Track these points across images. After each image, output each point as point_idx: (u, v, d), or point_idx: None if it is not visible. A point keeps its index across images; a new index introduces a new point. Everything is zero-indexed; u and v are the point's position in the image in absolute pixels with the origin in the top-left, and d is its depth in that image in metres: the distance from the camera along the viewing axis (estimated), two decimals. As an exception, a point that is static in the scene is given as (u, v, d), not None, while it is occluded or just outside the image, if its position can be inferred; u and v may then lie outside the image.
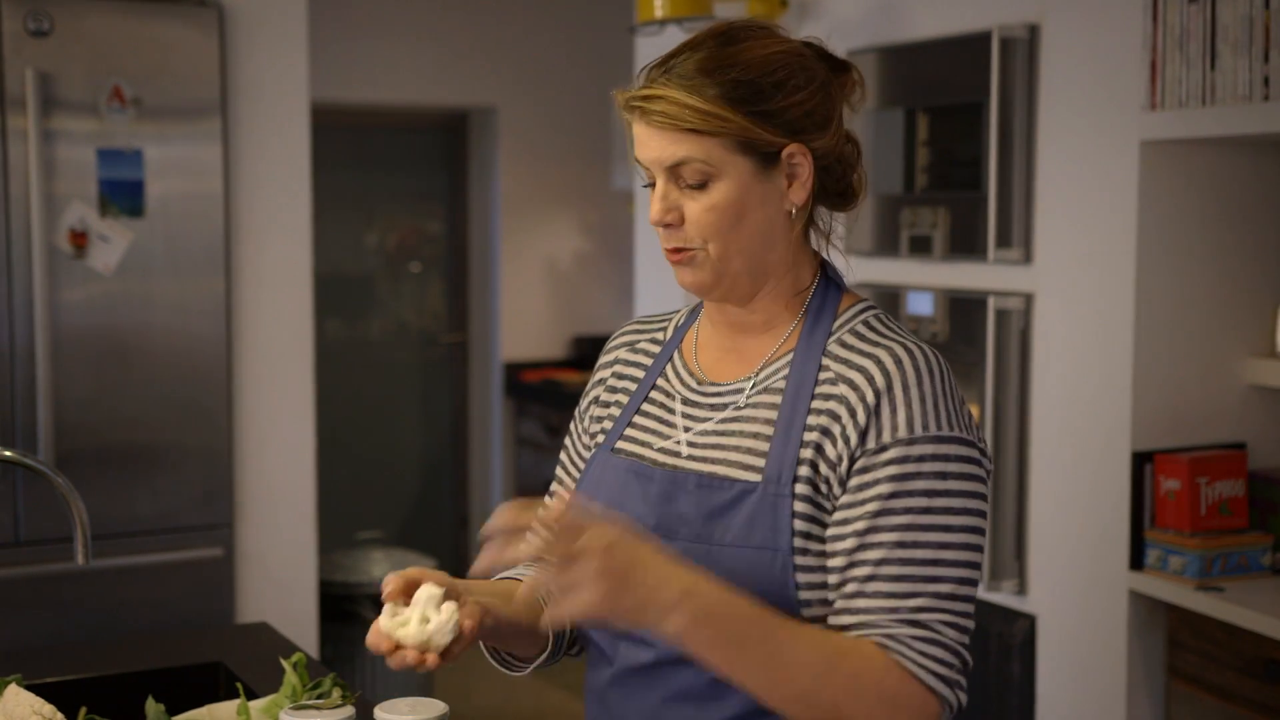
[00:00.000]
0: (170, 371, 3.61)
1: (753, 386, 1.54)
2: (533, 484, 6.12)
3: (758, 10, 3.61)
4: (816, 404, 1.48)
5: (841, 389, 1.47)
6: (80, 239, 3.48)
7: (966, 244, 3.20)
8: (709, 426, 1.54)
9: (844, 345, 1.51)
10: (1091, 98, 2.94)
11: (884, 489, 1.43)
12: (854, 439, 1.45)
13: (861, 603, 1.42)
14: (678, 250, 1.51)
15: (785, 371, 1.52)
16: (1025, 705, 3.13)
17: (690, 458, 1.53)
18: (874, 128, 3.43)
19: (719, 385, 1.57)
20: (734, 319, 1.58)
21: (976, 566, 1.45)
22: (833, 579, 1.44)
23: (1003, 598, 3.17)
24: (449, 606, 1.43)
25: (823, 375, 1.49)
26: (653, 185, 1.51)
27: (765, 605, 1.41)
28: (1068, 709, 3.04)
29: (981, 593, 3.17)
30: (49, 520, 3.46)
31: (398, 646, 1.42)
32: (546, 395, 6.00)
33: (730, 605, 1.38)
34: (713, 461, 1.52)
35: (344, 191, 6.07)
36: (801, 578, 1.44)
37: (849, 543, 1.43)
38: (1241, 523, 2.84)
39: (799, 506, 1.45)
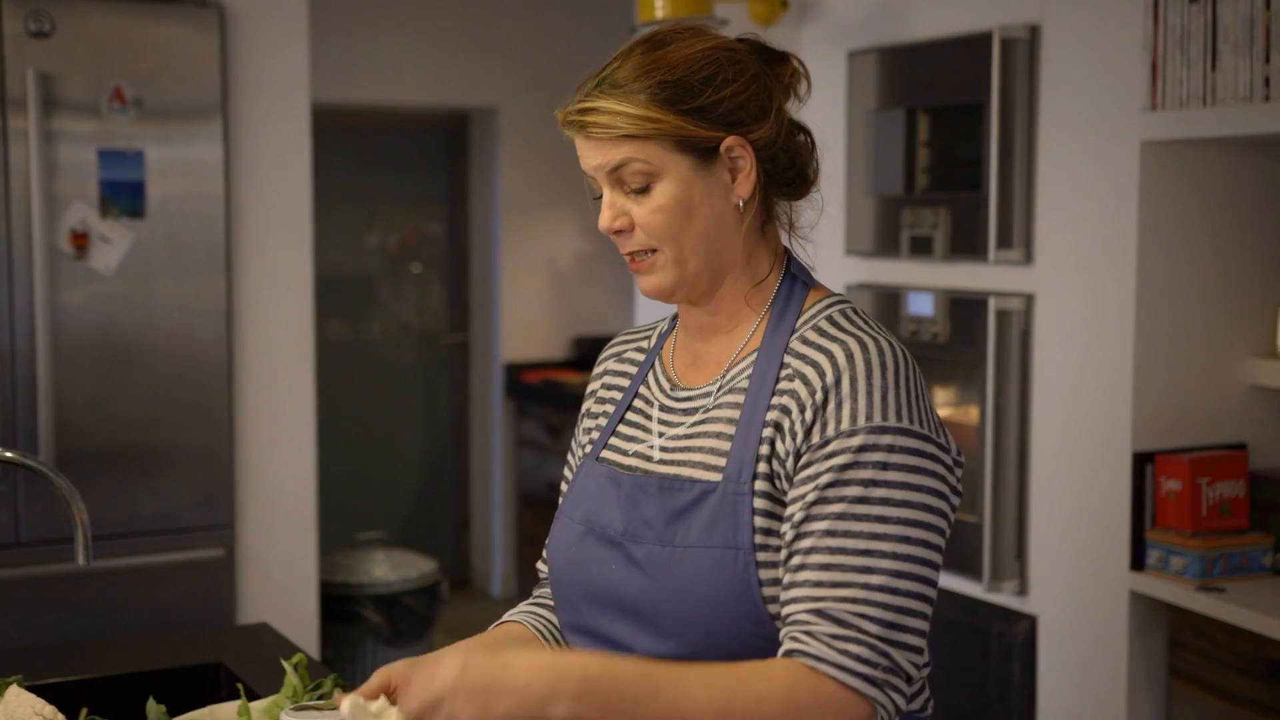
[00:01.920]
0: (171, 372, 3.61)
1: (719, 389, 1.55)
2: (533, 484, 6.12)
3: (758, 11, 3.61)
4: (774, 400, 1.48)
5: (796, 384, 1.47)
6: (81, 240, 3.48)
7: (967, 245, 3.20)
8: (680, 431, 1.55)
9: (804, 341, 1.51)
10: (1092, 98, 2.94)
11: (823, 479, 1.42)
12: (800, 435, 1.45)
13: (793, 592, 1.41)
14: (633, 257, 1.54)
15: (749, 371, 1.53)
16: (1026, 706, 3.13)
17: (660, 461, 1.55)
18: (874, 128, 3.43)
19: (690, 390, 1.58)
20: (700, 321, 1.59)
21: (921, 562, 1.41)
22: (781, 573, 1.44)
23: (1003, 598, 3.17)
24: None
25: (783, 372, 1.50)
26: (601, 197, 1.54)
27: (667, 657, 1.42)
28: (1069, 710, 3.04)
29: (982, 593, 3.17)
30: (50, 521, 3.46)
31: None
32: (547, 396, 6.00)
33: (610, 670, 1.37)
34: (678, 464, 1.53)
35: (345, 192, 6.07)
36: (764, 574, 1.44)
37: (789, 535, 1.43)
38: (1242, 523, 2.84)
39: (759, 504, 1.45)
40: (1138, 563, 2.89)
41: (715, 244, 1.53)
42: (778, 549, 1.44)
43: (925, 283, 3.34)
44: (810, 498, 1.42)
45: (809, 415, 1.44)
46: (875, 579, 1.38)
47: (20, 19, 3.39)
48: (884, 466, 1.41)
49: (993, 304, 3.11)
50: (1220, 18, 2.64)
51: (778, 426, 1.46)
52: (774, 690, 1.36)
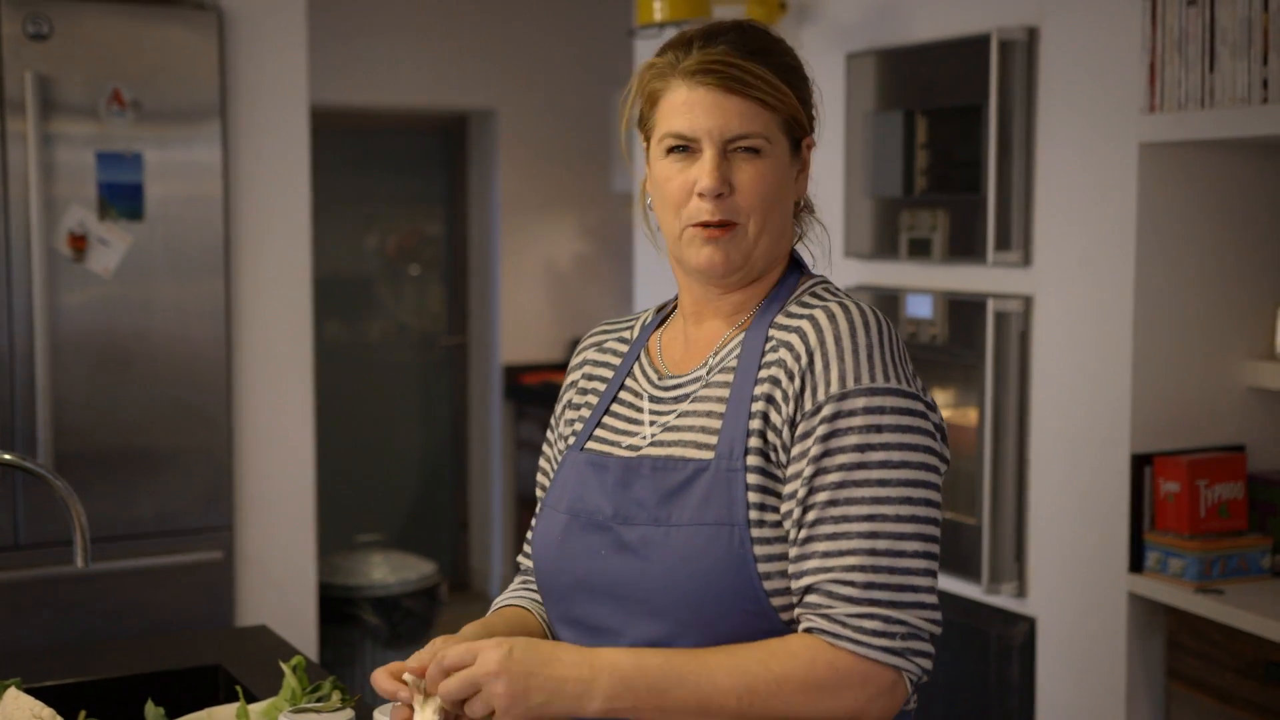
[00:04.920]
0: (170, 374, 3.61)
1: (708, 371, 1.55)
2: (532, 486, 6.10)
3: (756, 13, 3.61)
4: (761, 374, 1.48)
5: (781, 353, 1.48)
6: (79, 242, 3.48)
7: (966, 246, 3.20)
8: (671, 419, 1.55)
9: (787, 314, 1.52)
10: (1090, 100, 2.94)
11: (817, 449, 1.42)
12: (792, 402, 1.45)
13: (802, 564, 1.42)
14: (722, 225, 1.50)
15: (738, 350, 1.53)
16: (1025, 707, 3.13)
17: (652, 445, 1.54)
18: (873, 129, 3.43)
19: (679, 376, 1.58)
20: (713, 304, 1.58)
21: (925, 520, 1.41)
22: (789, 549, 1.44)
23: (1002, 600, 3.17)
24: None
25: (767, 345, 1.50)
26: (677, 150, 1.50)
27: (684, 645, 1.42)
28: (1067, 711, 3.04)
29: (981, 595, 3.17)
30: (49, 523, 3.46)
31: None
32: (546, 397, 6.00)
33: (639, 663, 1.39)
34: (670, 444, 1.52)
35: (344, 194, 6.07)
36: (759, 550, 1.44)
37: (795, 512, 1.43)
38: (1241, 525, 2.84)
39: (752, 479, 1.45)
40: (1136, 564, 2.89)
41: (783, 232, 1.54)
42: (774, 525, 1.45)
43: (924, 285, 3.34)
44: (808, 471, 1.42)
45: (798, 382, 1.45)
46: (881, 543, 1.39)
47: (19, 21, 3.39)
48: (878, 429, 1.42)
49: (991, 306, 3.11)
50: (1218, 20, 2.64)
51: (769, 399, 1.47)
52: (794, 670, 1.38)
